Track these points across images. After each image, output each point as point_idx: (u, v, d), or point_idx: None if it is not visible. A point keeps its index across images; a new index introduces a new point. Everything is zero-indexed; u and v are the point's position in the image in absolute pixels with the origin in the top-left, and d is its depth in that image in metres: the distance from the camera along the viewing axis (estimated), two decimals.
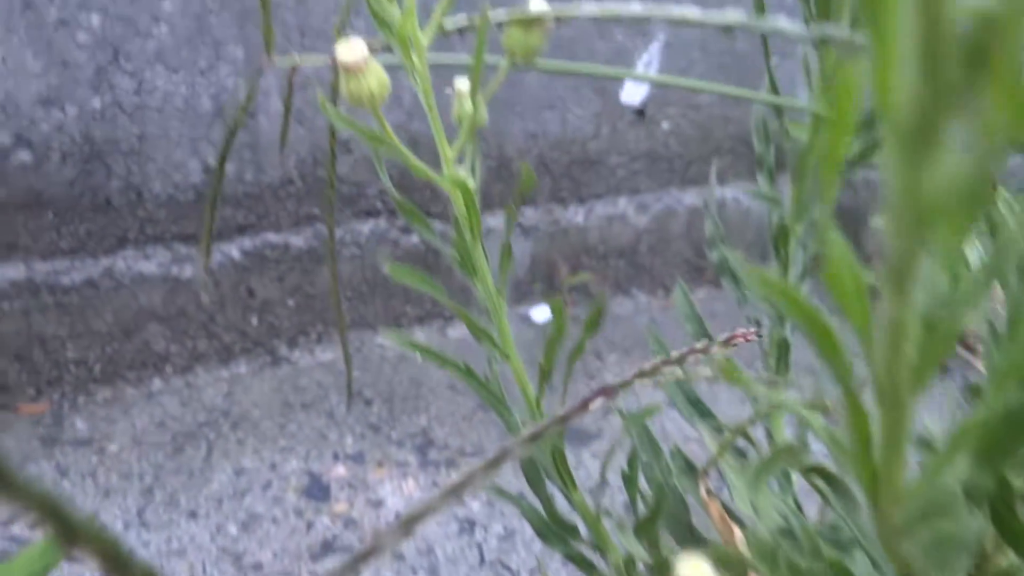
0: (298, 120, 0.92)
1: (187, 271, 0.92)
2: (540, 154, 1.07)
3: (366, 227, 1.00)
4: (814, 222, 0.73)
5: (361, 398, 0.99)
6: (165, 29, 0.82)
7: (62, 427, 0.90)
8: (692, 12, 0.39)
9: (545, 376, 0.56)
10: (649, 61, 1.07)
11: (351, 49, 0.42)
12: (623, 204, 1.15)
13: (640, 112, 1.10)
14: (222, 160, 0.56)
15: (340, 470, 0.89)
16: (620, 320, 1.19)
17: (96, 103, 0.82)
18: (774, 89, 0.67)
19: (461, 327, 1.12)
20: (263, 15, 0.52)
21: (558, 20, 0.45)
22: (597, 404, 0.42)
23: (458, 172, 0.49)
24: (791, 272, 0.74)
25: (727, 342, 0.46)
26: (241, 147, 0.90)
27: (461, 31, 0.52)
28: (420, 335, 1.09)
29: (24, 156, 0.82)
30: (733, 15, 0.39)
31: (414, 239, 1.03)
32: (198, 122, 0.87)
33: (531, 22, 0.45)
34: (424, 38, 0.46)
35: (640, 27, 1.04)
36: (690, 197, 1.20)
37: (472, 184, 0.50)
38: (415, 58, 0.45)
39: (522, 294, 1.14)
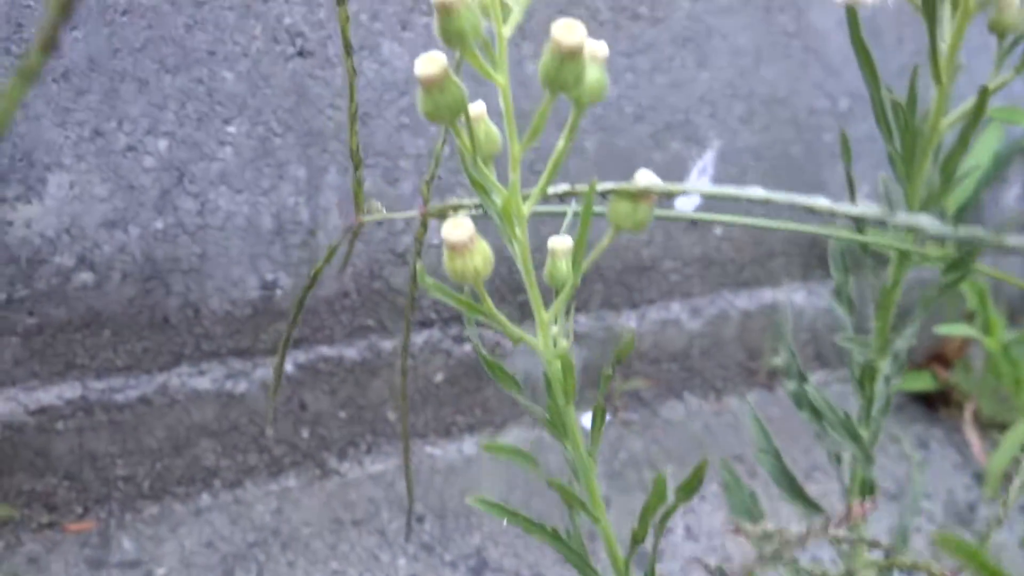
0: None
1: (241, 386, 0.91)
2: (594, 261, 1.06)
3: (420, 338, 0.99)
4: (897, 355, 0.70)
5: (413, 514, 0.96)
6: (230, 151, 0.83)
7: (109, 547, 0.87)
8: (822, 201, 0.38)
9: (638, 541, 0.53)
10: (704, 168, 1.06)
11: (458, 228, 0.41)
12: (676, 309, 1.13)
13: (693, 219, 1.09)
14: (296, 313, 0.54)
15: None
16: (673, 426, 1.16)
17: (159, 224, 0.82)
18: (860, 228, 0.65)
19: (510, 435, 1.10)
20: (354, 174, 0.51)
21: (667, 195, 0.44)
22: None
23: (556, 338, 0.47)
24: (875, 407, 0.71)
25: (846, 520, 0.43)
26: (299, 263, 0.90)
27: (562, 197, 0.51)
28: (470, 443, 1.07)
29: (86, 277, 0.81)
30: (868, 208, 0.37)
31: (466, 348, 1.01)
32: (258, 240, 0.87)
33: (640, 195, 0.44)
34: (526, 208, 0.45)
35: (696, 136, 1.04)
36: (742, 300, 1.18)
37: (568, 346, 0.49)
38: (517, 230, 0.44)
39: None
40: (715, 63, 1.02)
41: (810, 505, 0.70)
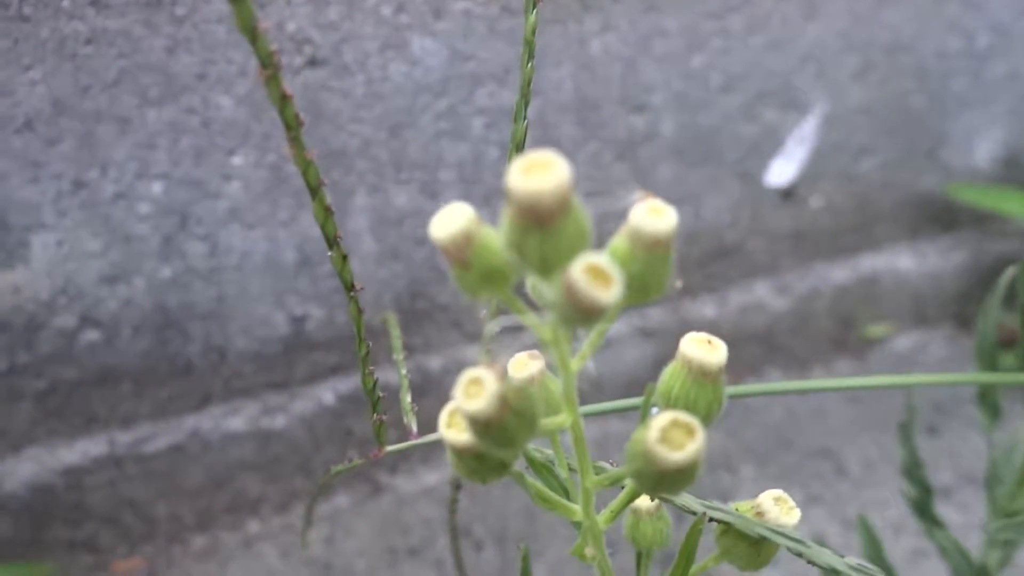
0: (394, 256, 0.79)
1: (278, 421, 0.83)
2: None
3: (470, 352, 0.88)
4: None
5: (471, 539, 0.90)
6: (238, 186, 0.69)
7: None
8: None
9: None
10: (803, 137, 0.88)
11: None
12: (761, 289, 0.99)
13: (787, 193, 0.93)
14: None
15: None
16: (752, 412, 1.05)
17: (166, 272, 0.71)
18: None
19: None
20: (371, 409, 0.39)
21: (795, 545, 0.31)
22: None
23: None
24: None
25: None
26: (331, 292, 0.79)
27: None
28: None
29: (92, 335, 0.72)
30: None
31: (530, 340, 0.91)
32: (281, 275, 0.75)
33: (760, 541, 0.32)
34: (603, 524, 0.33)
35: (795, 102, 0.85)
36: (838, 271, 1.03)
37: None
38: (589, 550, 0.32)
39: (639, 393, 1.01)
40: (826, 12, 0.82)
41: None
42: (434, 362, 0.87)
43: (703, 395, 0.26)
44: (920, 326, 1.16)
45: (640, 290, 0.23)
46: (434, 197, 0.77)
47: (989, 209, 1.02)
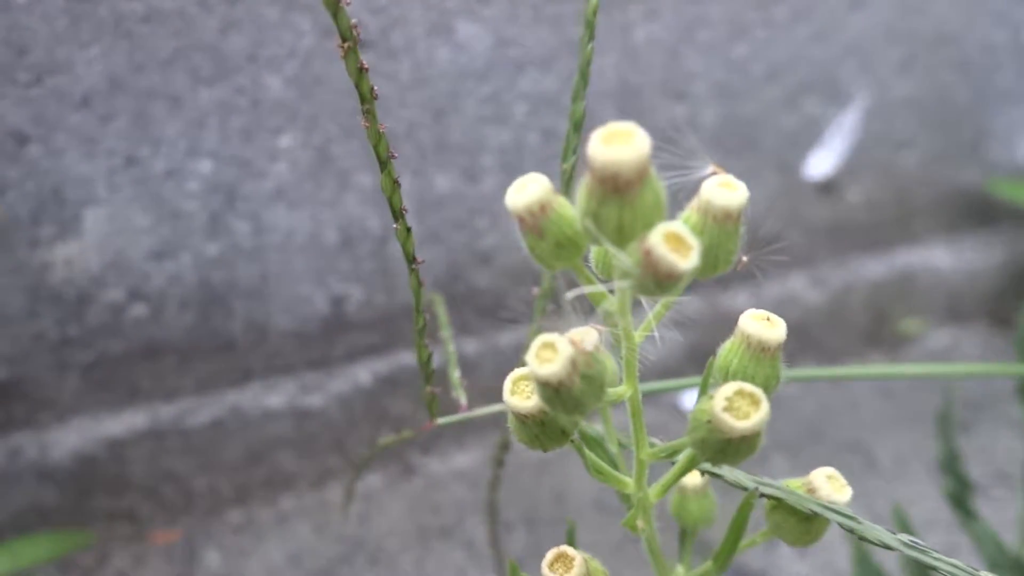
0: (434, 239, 0.80)
1: (316, 400, 0.84)
2: None
3: (505, 337, 0.89)
4: None
5: (501, 521, 0.91)
6: (284, 166, 0.71)
7: (195, 562, 0.86)
8: None
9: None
10: (843, 130, 0.88)
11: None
12: (796, 281, 0.99)
13: (826, 185, 0.93)
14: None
15: None
16: (785, 403, 1.05)
17: (212, 249, 0.73)
18: None
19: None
20: (423, 384, 0.40)
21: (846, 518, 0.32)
22: None
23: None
24: None
25: None
26: (372, 274, 0.80)
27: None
28: None
29: (140, 310, 0.73)
30: None
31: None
32: (323, 255, 0.76)
33: (811, 517, 0.32)
34: (654, 496, 0.34)
35: (837, 93, 0.85)
36: (874, 265, 1.02)
37: None
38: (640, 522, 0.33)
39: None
40: (871, 3, 0.81)
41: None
42: (470, 346, 0.88)
43: (761, 370, 0.27)
44: (955, 323, 1.15)
45: (709, 262, 0.23)
46: (475, 182, 0.78)
47: None
